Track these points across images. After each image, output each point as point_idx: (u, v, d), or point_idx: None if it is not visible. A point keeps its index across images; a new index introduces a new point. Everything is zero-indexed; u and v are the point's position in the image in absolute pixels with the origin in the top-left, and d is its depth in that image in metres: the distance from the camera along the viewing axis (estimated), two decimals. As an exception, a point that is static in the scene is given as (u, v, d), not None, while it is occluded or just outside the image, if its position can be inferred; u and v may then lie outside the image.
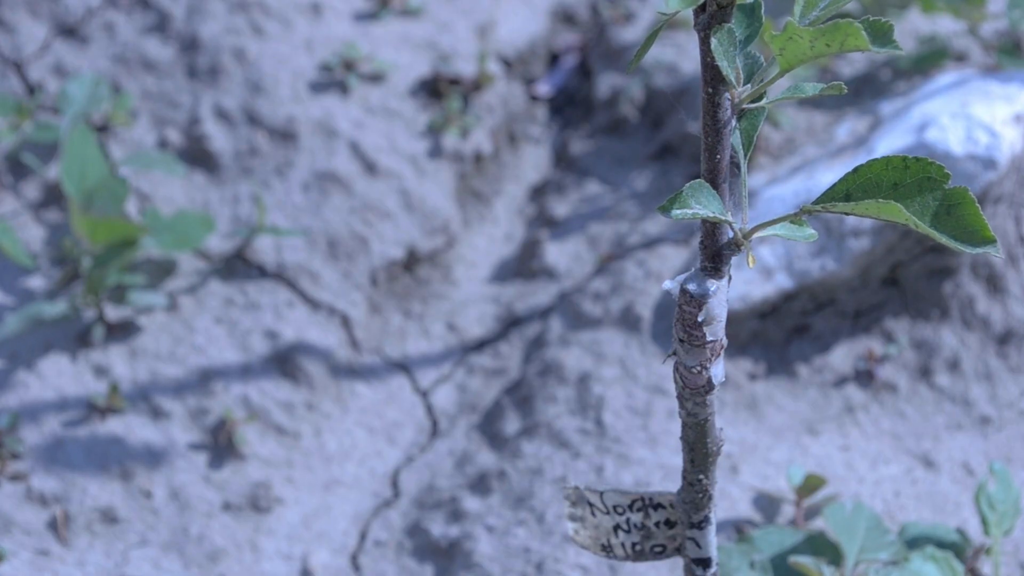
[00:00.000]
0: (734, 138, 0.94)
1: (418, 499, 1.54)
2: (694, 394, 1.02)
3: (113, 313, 1.65)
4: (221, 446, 1.56)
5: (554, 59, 1.99)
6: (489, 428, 1.58)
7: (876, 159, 0.90)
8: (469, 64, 1.88)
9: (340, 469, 1.57)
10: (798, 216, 0.92)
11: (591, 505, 1.13)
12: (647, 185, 1.77)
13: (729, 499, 1.46)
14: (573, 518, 1.14)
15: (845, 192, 0.90)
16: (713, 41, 0.86)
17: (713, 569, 1.13)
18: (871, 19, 0.84)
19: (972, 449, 1.51)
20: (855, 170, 0.90)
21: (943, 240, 0.87)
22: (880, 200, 0.86)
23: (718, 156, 0.93)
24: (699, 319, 0.98)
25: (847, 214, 0.89)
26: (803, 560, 1.29)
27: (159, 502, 1.51)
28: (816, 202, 0.91)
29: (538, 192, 1.84)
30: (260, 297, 1.67)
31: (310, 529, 1.52)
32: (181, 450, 1.55)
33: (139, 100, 1.82)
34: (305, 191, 1.74)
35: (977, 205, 0.88)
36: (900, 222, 0.87)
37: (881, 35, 0.84)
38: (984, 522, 1.35)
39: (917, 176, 0.89)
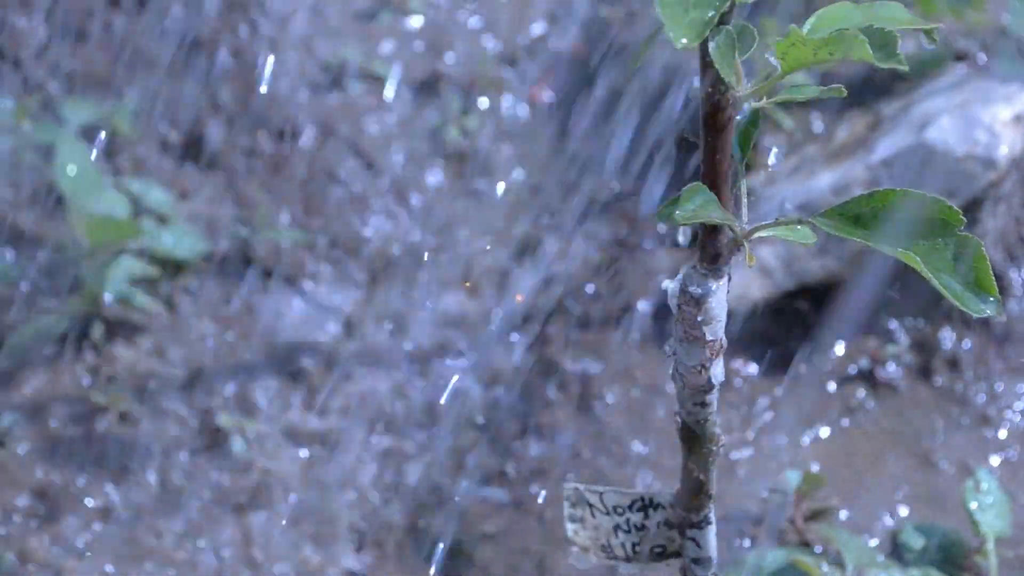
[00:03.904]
0: (733, 138, 0.94)
1: (419, 498, 1.54)
2: (694, 394, 1.02)
3: (112, 312, 1.65)
4: (221, 445, 1.56)
5: (555, 58, 1.99)
6: (489, 427, 1.58)
7: (893, 189, 0.88)
8: (469, 63, 1.88)
9: (341, 469, 1.57)
10: (802, 222, 0.92)
11: (591, 506, 1.13)
12: (647, 184, 1.77)
13: (728, 499, 1.46)
14: (572, 519, 1.13)
15: (856, 214, 0.89)
16: (712, 44, 0.86)
17: (713, 569, 1.13)
18: (876, 28, 0.84)
19: (972, 449, 1.51)
20: (870, 194, 0.89)
21: (948, 296, 0.86)
22: (900, 249, 0.85)
23: (717, 156, 0.93)
24: (699, 319, 0.98)
25: (856, 239, 0.88)
26: (805, 559, 1.29)
27: (159, 502, 1.51)
28: (824, 216, 0.90)
29: (538, 191, 1.84)
30: (260, 296, 1.67)
31: (311, 529, 1.52)
32: (181, 450, 1.55)
33: (139, 100, 1.82)
34: (305, 190, 1.74)
35: (988, 260, 0.87)
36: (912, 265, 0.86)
37: (886, 48, 0.83)
38: (974, 523, 1.35)
39: (930, 215, 0.88)
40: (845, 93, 0.85)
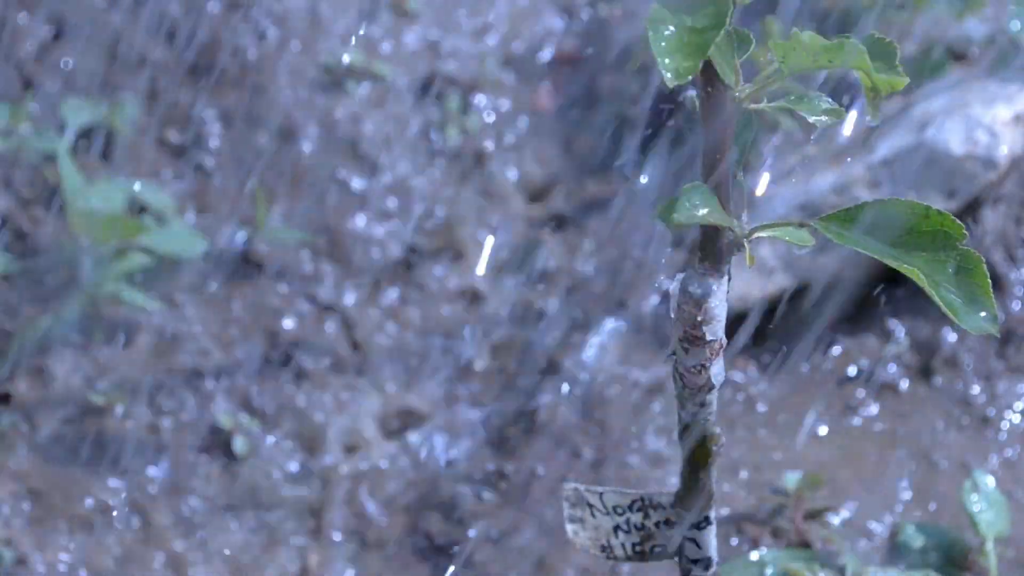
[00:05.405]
0: (732, 139, 0.94)
1: (418, 498, 1.54)
2: (694, 394, 1.02)
3: (112, 311, 1.65)
4: (221, 446, 1.56)
5: (555, 58, 1.99)
6: (489, 428, 1.58)
7: (898, 199, 0.89)
8: (469, 64, 1.88)
9: (341, 469, 1.57)
10: (802, 224, 0.92)
11: (591, 506, 1.13)
12: (649, 184, 1.77)
13: (728, 499, 1.46)
14: (572, 519, 1.13)
15: (857, 220, 0.89)
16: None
17: (713, 569, 1.13)
18: (877, 38, 0.84)
19: (972, 449, 1.51)
20: (874, 203, 0.89)
21: (946, 310, 0.86)
22: (904, 264, 0.85)
23: (717, 156, 0.93)
24: (699, 319, 0.98)
25: (855, 248, 0.88)
26: (795, 565, 1.29)
27: (159, 503, 1.51)
28: (824, 220, 0.90)
29: (539, 191, 1.84)
30: (260, 296, 1.67)
31: (309, 529, 1.52)
32: (181, 450, 1.55)
33: (138, 100, 1.82)
34: (305, 190, 1.74)
35: (988, 277, 0.87)
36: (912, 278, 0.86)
37: (885, 60, 0.84)
38: (974, 523, 1.35)
39: (933, 227, 0.88)
40: (845, 115, 0.86)
